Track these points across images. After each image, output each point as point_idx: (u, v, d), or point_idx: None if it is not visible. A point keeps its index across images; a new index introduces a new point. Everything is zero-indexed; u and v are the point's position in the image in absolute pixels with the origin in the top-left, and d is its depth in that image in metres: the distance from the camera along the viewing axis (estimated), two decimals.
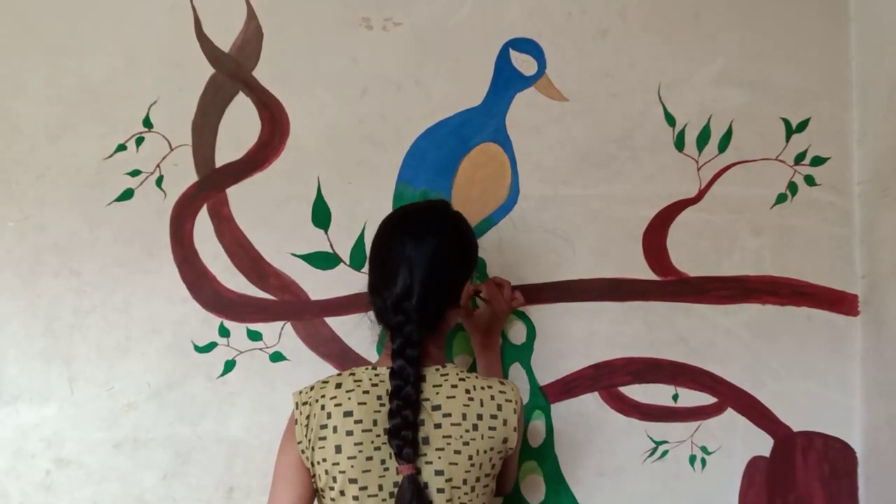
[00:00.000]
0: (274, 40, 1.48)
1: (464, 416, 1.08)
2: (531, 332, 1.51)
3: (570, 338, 1.51)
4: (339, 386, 1.10)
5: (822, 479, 1.55)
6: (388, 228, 1.18)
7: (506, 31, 1.52)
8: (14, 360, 1.42)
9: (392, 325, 1.11)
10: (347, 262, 1.47)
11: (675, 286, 1.54)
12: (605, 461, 1.52)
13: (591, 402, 1.52)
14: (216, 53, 1.47)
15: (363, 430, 1.06)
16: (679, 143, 1.55)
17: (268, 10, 1.48)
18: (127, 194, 1.45)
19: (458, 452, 1.07)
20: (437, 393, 1.09)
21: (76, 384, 1.42)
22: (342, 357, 1.46)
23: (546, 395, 1.50)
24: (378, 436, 1.06)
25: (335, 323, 1.47)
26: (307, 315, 1.47)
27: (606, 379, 1.52)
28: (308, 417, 1.09)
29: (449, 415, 1.08)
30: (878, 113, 1.53)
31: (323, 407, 1.08)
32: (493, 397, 1.11)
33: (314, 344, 1.46)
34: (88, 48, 1.45)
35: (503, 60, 1.52)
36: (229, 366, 1.45)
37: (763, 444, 1.55)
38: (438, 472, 1.06)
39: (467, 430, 1.08)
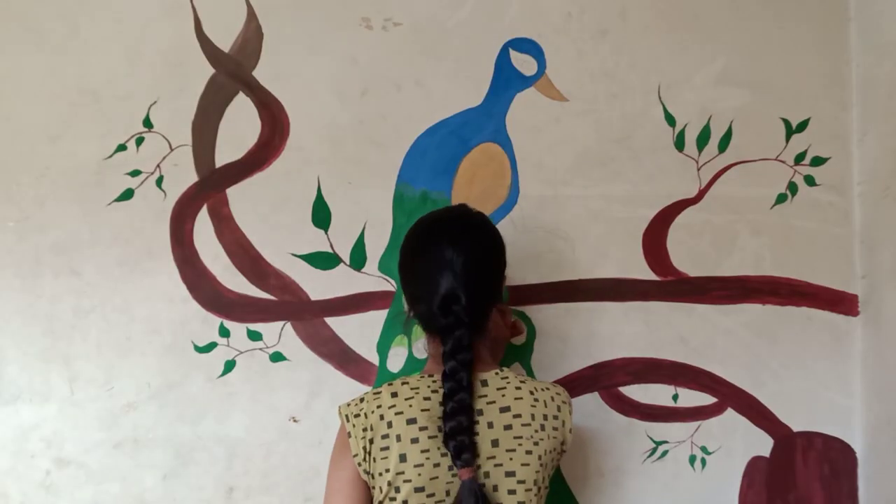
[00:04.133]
0: (274, 40, 1.48)
1: (532, 417, 1.08)
2: (531, 332, 1.51)
3: (570, 338, 1.51)
4: (394, 395, 1.07)
5: (822, 479, 1.55)
6: (421, 236, 1.17)
7: (506, 31, 1.52)
8: (14, 360, 1.41)
9: (440, 329, 1.09)
10: (347, 262, 1.47)
11: (675, 286, 1.54)
12: (605, 461, 1.52)
13: (591, 402, 1.52)
14: (216, 53, 1.47)
15: (429, 437, 1.04)
16: (679, 143, 1.55)
17: (268, 10, 1.48)
18: (127, 194, 1.44)
19: (529, 453, 1.06)
20: (504, 395, 1.08)
21: (76, 384, 1.42)
22: (342, 357, 1.46)
23: None
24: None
25: (335, 323, 1.47)
26: (307, 315, 1.47)
27: (606, 379, 1.52)
28: (365, 430, 1.06)
29: (519, 415, 1.07)
30: (878, 113, 1.53)
31: (382, 417, 1.05)
32: (552, 398, 1.11)
33: (314, 344, 1.46)
34: (88, 48, 1.45)
35: (503, 60, 1.52)
36: (229, 366, 1.44)
37: (763, 444, 1.55)
38: (510, 474, 1.05)
39: (536, 431, 1.07)
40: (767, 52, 1.57)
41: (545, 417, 1.09)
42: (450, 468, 1.04)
